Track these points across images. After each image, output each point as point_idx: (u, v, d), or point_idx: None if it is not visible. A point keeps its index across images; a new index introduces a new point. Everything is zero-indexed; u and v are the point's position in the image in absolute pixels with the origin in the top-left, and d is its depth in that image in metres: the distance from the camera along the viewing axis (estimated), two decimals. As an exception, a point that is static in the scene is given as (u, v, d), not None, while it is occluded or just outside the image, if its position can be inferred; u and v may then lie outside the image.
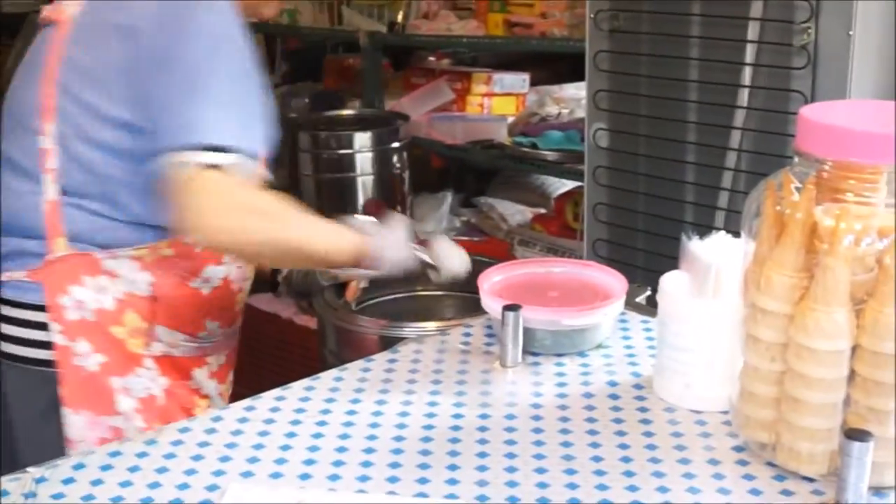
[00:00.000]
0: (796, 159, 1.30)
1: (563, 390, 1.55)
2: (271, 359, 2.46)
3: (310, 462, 1.36)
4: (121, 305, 1.62)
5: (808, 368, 1.25)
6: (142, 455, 1.37)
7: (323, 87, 4.14)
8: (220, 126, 1.40)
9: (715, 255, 1.45)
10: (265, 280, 2.06)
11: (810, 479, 1.30)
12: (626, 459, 1.36)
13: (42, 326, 1.60)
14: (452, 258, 1.64)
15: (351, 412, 1.49)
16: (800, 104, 1.31)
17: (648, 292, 1.87)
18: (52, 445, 1.60)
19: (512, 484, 1.30)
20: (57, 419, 1.61)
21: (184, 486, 1.29)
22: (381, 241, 1.65)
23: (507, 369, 1.60)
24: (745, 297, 1.34)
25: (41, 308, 1.60)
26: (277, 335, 2.76)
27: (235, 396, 1.66)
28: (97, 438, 1.62)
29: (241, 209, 1.43)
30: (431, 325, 1.97)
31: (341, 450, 1.39)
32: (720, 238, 1.49)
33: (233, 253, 1.51)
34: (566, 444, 1.40)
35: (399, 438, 1.41)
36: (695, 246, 1.47)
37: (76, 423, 1.59)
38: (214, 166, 1.40)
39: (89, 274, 1.52)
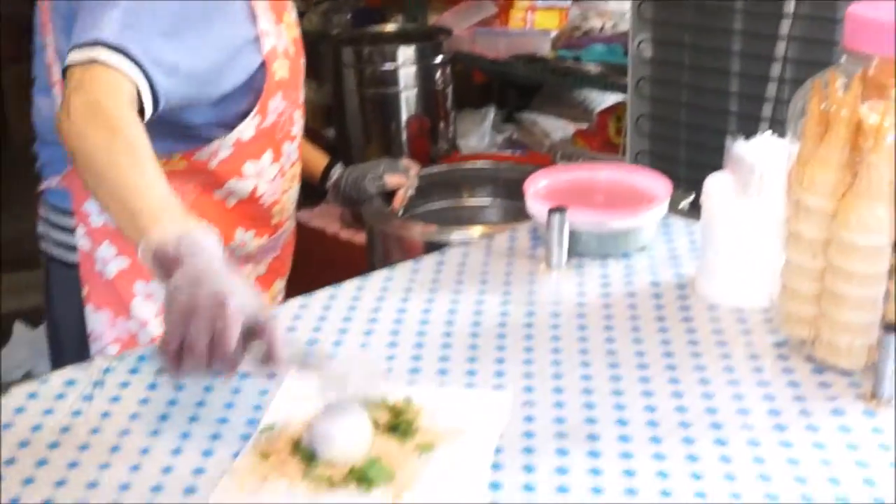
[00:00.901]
0: (843, 58, 1.29)
1: (606, 290, 1.56)
2: (319, 276, 2.48)
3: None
4: None
5: (849, 263, 1.26)
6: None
7: (365, 2, 4.11)
8: (113, 25, 1.29)
9: (760, 155, 1.45)
10: (313, 187, 2.08)
11: (848, 373, 1.31)
12: (668, 354, 1.38)
13: (72, 231, 1.66)
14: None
15: (401, 310, 1.51)
16: (846, 8, 1.29)
17: (692, 198, 1.87)
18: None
19: (557, 376, 1.33)
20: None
21: (243, 377, 1.33)
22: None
23: (553, 271, 1.62)
24: (789, 195, 1.34)
25: (73, 214, 1.64)
26: (324, 252, 2.80)
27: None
28: (114, 338, 1.66)
29: (96, 117, 1.23)
30: (477, 231, 1.99)
31: (392, 344, 1.42)
32: (765, 139, 1.49)
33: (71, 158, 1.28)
34: (609, 340, 1.42)
35: (447, 334, 1.44)
36: (740, 147, 1.47)
37: (97, 320, 1.64)
38: (95, 62, 1.27)
39: None
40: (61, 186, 1.65)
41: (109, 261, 1.64)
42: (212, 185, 1.67)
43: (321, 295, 1.56)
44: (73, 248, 1.67)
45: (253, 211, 1.75)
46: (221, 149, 1.54)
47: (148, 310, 1.66)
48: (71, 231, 1.66)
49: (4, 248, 3.32)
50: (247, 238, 1.77)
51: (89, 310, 1.65)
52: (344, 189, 2.10)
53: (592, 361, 1.36)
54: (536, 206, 1.69)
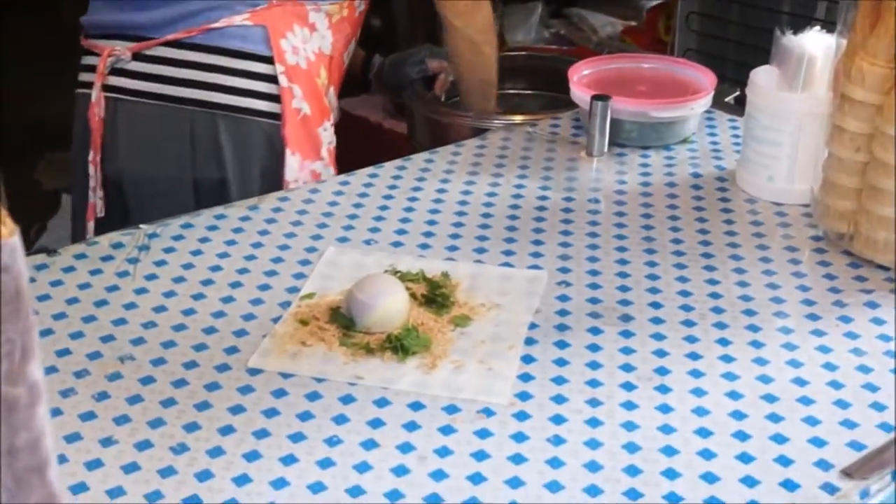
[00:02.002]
0: (901, -53, 1.23)
1: (646, 180, 1.54)
2: (362, 164, 2.46)
3: (401, 232, 1.40)
4: (317, 59, 1.61)
5: (893, 157, 1.22)
6: (245, 219, 1.41)
7: None
8: None
9: (807, 48, 1.40)
10: (357, 77, 2.06)
11: (884, 268, 1.29)
12: (705, 243, 1.36)
13: (262, 77, 1.56)
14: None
15: (441, 190, 1.51)
16: None
17: (737, 93, 1.82)
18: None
19: (593, 259, 1.32)
20: (267, 171, 1.65)
21: (285, 248, 1.34)
22: None
23: (593, 158, 1.60)
24: (835, 88, 1.30)
25: (262, 59, 1.55)
26: (368, 141, 2.78)
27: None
28: (302, 181, 1.64)
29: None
30: (519, 118, 1.96)
31: (431, 223, 1.42)
32: (813, 34, 1.44)
33: (450, 39, 1.74)
34: (647, 228, 1.41)
35: (486, 216, 1.44)
36: (787, 40, 1.42)
37: (293, 164, 1.62)
38: None
39: (299, 23, 1.53)
40: (251, 22, 1.55)
41: (302, 99, 1.62)
42: (346, 41, 1.71)
43: (362, 174, 1.56)
44: (255, 94, 1.60)
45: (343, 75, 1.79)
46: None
47: (325, 151, 1.68)
48: (256, 77, 1.59)
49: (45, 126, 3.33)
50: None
51: (287, 154, 1.63)
52: (386, 75, 2.08)
53: (629, 247, 1.35)
54: (580, 93, 1.66)
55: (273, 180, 1.64)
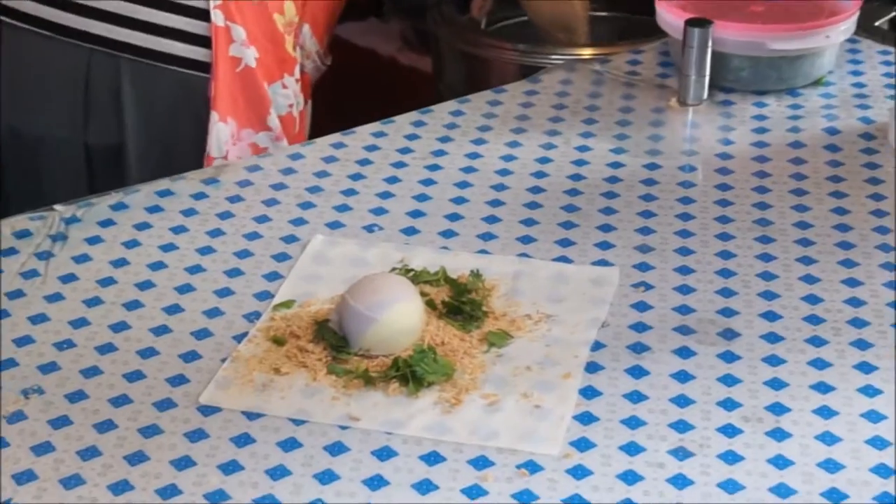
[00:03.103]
0: None
1: (762, 138, 1.53)
2: (368, 112, 2.47)
3: (416, 214, 1.40)
4: None
5: None
6: (199, 197, 1.42)
7: None
8: None
9: None
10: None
11: None
12: (842, 228, 1.35)
13: (189, 11, 1.61)
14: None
15: (473, 155, 1.51)
16: None
17: (893, 14, 1.80)
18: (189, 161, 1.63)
19: (684, 251, 1.32)
20: (184, 141, 1.64)
21: (253, 237, 1.35)
22: None
23: (688, 108, 1.58)
24: None
25: None
26: (377, 81, 2.76)
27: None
28: (235, 158, 1.65)
29: None
30: (586, 52, 1.94)
31: (458, 200, 1.42)
32: None
33: None
34: (761, 206, 1.40)
35: (536, 190, 1.43)
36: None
37: (221, 134, 1.61)
38: None
39: None
40: None
41: (245, 45, 1.63)
42: None
43: (364, 132, 1.56)
44: (188, 38, 1.62)
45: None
46: None
47: (273, 122, 1.66)
48: (193, 13, 1.62)
49: None
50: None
51: (213, 120, 1.64)
52: None
53: (736, 234, 1.35)
54: (670, 17, 1.64)
55: (192, 155, 1.63)
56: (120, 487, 1.00)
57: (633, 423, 1.07)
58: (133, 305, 1.23)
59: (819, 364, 1.13)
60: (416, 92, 2.50)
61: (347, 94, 1.84)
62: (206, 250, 1.32)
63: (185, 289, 1.25)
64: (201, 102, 1.59)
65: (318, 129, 1.78)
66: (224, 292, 1.25)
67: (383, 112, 1.58)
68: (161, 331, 1.19)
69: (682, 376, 1.12)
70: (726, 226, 1.34)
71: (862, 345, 1.16)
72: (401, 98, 1.99)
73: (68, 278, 1.26)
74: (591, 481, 1.00)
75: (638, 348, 1.16)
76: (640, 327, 1.19)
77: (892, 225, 1.33)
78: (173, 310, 1.22)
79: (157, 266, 1.29)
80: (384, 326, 1.13)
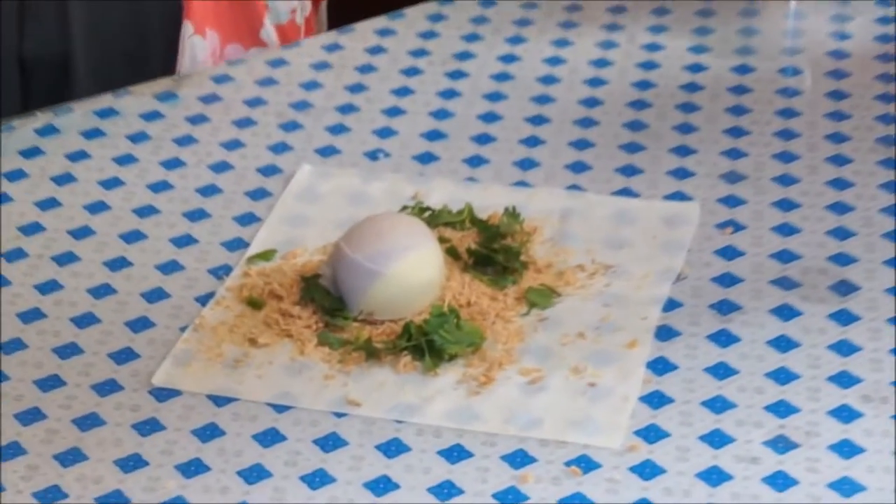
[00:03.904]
0: None
1: (888, 29, 1.52)
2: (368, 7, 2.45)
3: (433, 136, 1.39)
4: None
5: None
6: (151, 117, 1.43)
7: None
8: None
9: None
10: None
11: None
12: None
13: None
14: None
15: (507, 58, 1.50)
16: None
17: None
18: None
19: (786, 180, 1.30)
20: (148, 52, 1.63)
21: (222, 168, 1.35)
22: None
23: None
24: None
25: None
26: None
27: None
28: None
29: None
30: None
31: (488, 117, 1.41)
32: None
33: None
34: (887, 120, 1.38)
35: (590, 102, 1.43)
36: None
37: (197, 49, 1.59)
38: None
39: None
40: None
41: None
42: None
43: (366, 28, 1.56)
44: None
45: None
46: None
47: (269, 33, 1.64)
48: None
49: None
50: None
51: (185, 31, 1.60)
52: None
53: (853, 156, 1.33)
54: None
55: (158, 68, 1.62)
56: (49, 495, 0.99)
57: (718, 405, 1.06)
58: (65, 259, 1.23)
59: (963, 326, 1.11)
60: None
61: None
62: (160, 186, 1.32)
63: (132, 237, 1.25)
64: (173, 9, 1.57)
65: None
66: (183, 241, 1.25)
67: (390, 2, 1.56)
68: (102, 292, 1.19)
69: (783, 343, 1.11)
70: (841, 146, 1.33)
71: None
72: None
73: (-20, 227, 1.25)
74: (664, 481, 0.99)
75: (724, 308, 1.15)
76: (727, 280, 1.18)
77: None
78: (118, 264, 1.22)
79: (97, 208, 1.29)
80: (392, 283, 1.12)
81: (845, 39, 1.48)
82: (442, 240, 1.19)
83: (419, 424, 1.05)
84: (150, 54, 1.63)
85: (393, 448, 1.03)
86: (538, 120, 1.39)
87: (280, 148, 1.36)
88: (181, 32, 1.59)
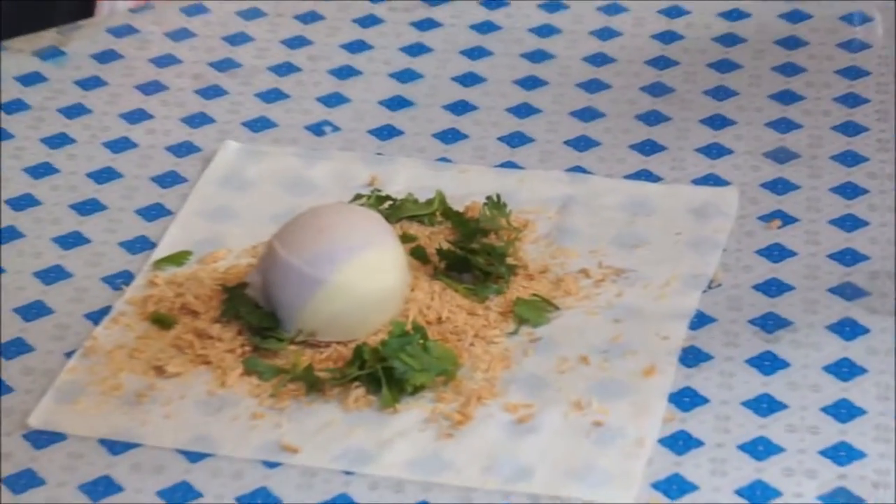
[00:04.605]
0: None
1: None
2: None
3: (396, 104, 1.40)
4: None
5: None
6: (32, 80, 1.42)
7: None
8: None
9: None
10: None
11: None
12: None
13: None
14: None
15: (491, 2, 1.51)
16: None
17: None
18: None
19: (850, 158, 1.30)
20: None
21: (123, 146, 1.35)
22: None
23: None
24: None
25: None
26: None
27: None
28: None
29: None
30: None
31: (468, 79, 1.43)
32: None
33: None
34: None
35: (598, 59, 1.44)
36: None
37: None
38: None
39: None
40: None
41: None
42: None
43: None
44: None
45: None
46: None
47: None
48: None
49: None
50: None
51: None
52: None
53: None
54: None
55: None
56: None
57: (760, 449, 1.06)
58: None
59: None
60: None
61: None
62: (40, 170, 1.33)
63: (6, 235, 1.26)
64: None
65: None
66: (70, 240, 1.25)
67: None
68: (-32, 308, 1.18)
69: (844, 370, 1.11)
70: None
71: None
72: None
73: None
74: (691, 550, 0.99)
75: (770, 323, 1.15)
76: (774, 288, 1.18)
77: None
78: (-10, 271, 1.21)
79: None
80: (339, 293, 1.12)
81: None
82: (405, 238, 1.19)
83: (374, 476, 1.05)
84: None
85: (339, 509, 1.02)
86: (531, 82, 1.39)
87: (197, 120, 1.36)
88: None
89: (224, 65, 1.41)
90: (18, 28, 1.57)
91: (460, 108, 1.35)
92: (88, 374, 1.13)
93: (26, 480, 1.05)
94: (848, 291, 1.17)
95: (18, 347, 1.15)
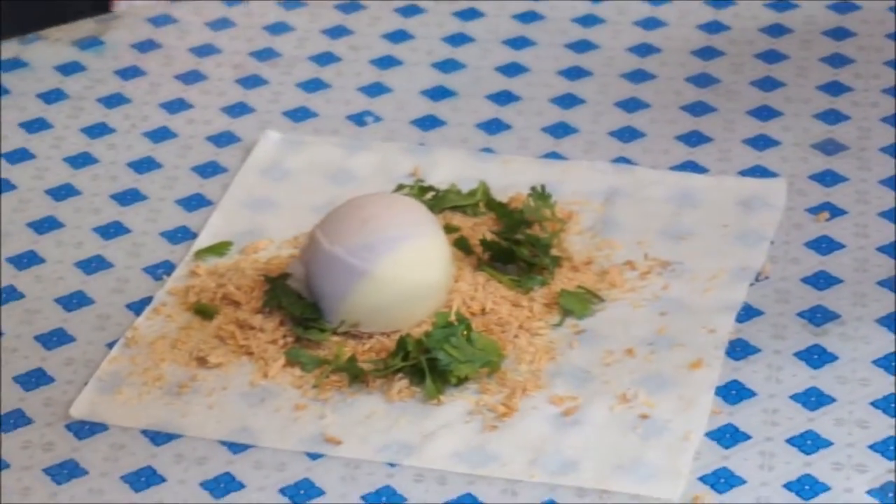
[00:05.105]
0: None
1: None
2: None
3: (439, 94, 1.40)
4: None
5: None
6: (71, 69, 1.43)
7: None
8: None
9: None
10: None
11: None
12: None
13: None
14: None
15: None
16: None
17: None
18: None
19: (898, 149, 1.30)
20: None
21: (161, 135, 1.35)
22: None
23: None
24: None
25: None
26: None
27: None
28: None
29: None
30: None
31: (511, 69, 1.43)
32: None
33: None
34: None
35: (643, 49, 1.44)
36: None
37: None
38: None
39: None
40: None
41: None
42: None
43: None
44: None
45: None
46: None
47: None
48: None
49: None
50: None
51: None
52: None
53: None
54: None
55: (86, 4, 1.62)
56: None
57: (809, 443, 1.05)
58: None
59: None
60: None
61: None
62: (80, 160, 1.33)
63: (46, 225, 1.26)
64: None
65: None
66: (111, 230, 1.26)
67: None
68: (5, 297, 1.20)
69: (895, 364, 1.11)
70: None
71: None
72: None
73: None
74: (739, 549, 0.98)
75: (818, 317, 1.15)
76: (822, 281, 1.18)
77: None
78: (26, 261, 1.23)
79: (2, 188, 1.29)
80: (382, 284, 1.12)
81: None
82: (448, 228, 1.19)
83: (418, 468, 1.05)
84: None
85: (384, 499, 1.03)
86: (575, 73, 1.39)
87: (238, 110, 1.36)
88: None
89: (264, 54, 1.40)
90: (43, 22, 1.57)
91: (503, 98, 1.35)
92: (130, 364, 1.13)
93: (69, 471, 1.05)
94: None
95: (60, 338, 1.15)
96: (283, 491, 1.03)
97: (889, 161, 1.27)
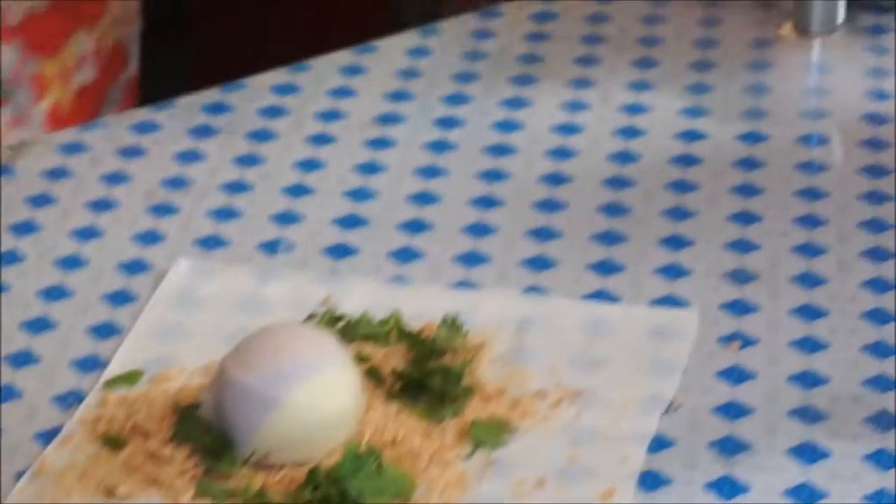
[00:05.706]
0: None
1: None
2: (264, 46, 2.51)
3: (350, 222, 1.40)
4: None
5: None
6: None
7: None
8: None
9: None
10: None
11: None
12: None
13: None
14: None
15: (446, 121, 1.52)
16: None
17: None
18: None
19: (809, 280, 1.31)
20: None
21: (71, 263, 1.34)
22: None
23: (811, 39, 1.59)
24: None
25: None
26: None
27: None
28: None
29: None
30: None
31: (422, 198, 1.43)
32: None
33: None
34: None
35: (555, 178, 1.44)
36: None
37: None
38: None
39: None
40: None
41: None
42: None
43: (262, 84, 1.58)
44: None
45: None
46: None
47: None
48: None
49: None
50: None
51: None
52: None
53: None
54: None
55: None
56: None
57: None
58: None
59: None
60: (353, 15, 2.51)
61: (228, 22, 1.84)
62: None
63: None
64: None
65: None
66: (21, 359, 1.25)
67: (293, 50, 1.57)
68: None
69: (804, 495, 1.11)
70: (880, 236, 1.34)
71: None
72: (325, 25, 1.98)
73: None
74: None
75: (729, 447, 1.15)
76: (733, 410, 1.18)
77: None
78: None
79: None
80: (293, 414, 1.12)
81: (884, 99, 1.49)
82: (359, 358, 1.19)
83: None
84: None
85: None
86: (486, 202, 1.40)
87: (149, 238, 1.36)
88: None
89: (175, 182, 1.41)
90: None
91: (414, 226, 1.35)
92: (37, 496, 1.11)
93: None
94: (809, 415, 1.17)
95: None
96: None
97: (800, 290, 1.27)
